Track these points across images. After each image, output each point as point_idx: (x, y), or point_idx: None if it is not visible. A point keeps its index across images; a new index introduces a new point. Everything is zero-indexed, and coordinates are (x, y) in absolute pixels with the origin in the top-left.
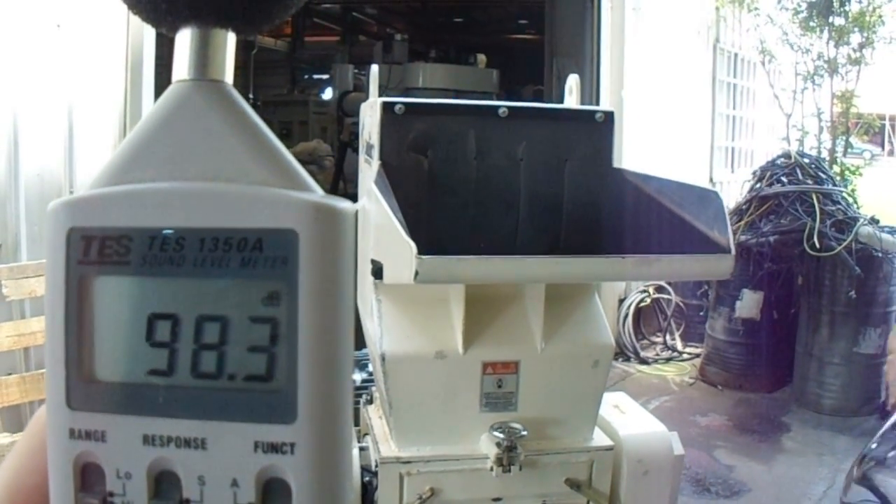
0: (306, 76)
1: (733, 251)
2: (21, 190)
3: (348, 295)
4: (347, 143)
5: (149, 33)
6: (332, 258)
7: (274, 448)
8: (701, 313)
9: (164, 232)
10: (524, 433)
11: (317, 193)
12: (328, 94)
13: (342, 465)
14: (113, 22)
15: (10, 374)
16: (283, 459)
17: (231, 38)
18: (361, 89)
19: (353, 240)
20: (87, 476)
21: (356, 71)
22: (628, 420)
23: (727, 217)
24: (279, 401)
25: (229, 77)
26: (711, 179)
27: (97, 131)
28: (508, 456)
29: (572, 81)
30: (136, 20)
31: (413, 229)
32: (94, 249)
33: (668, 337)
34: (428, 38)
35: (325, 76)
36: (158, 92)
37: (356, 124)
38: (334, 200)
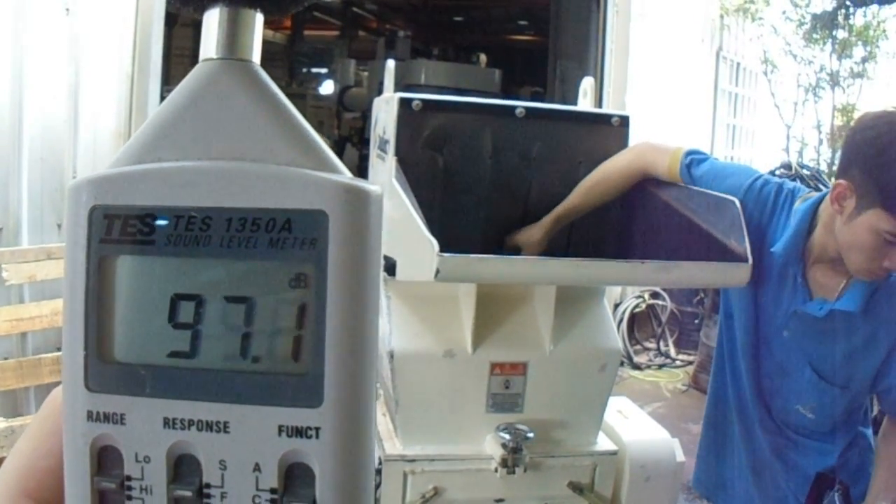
0: (304, 70)
1: (750, 260)
2: (24, 173)
3: (376, 278)
4: (347, 138)
5: (157, 19)
6: (362, 241)
7: (298, 432)
8: (696, 321)
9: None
10: (531, 435)
11: (346, 175)
12: (326, 88)
13: (366, 451)
14: (121, 7)
15: (6, 358)
16: (307, 444)
17: (259, 19)
18: (362, 85)
19: (381, 222)
20: (105, 459)
21: (358, 66)
22: (631, 425)
23: (744, 225)
24: (305, 384)
25: (257, 57)
26: None
27: (102, 116)
28: (514, 457)
29: (587, 84)
30: (144, 5)
31: (427, 227)
32: (117, 228)
33: (661, 343)
34: (427, 35)
35: (324, 70)
36: (164, 77)
37: (356, 119)
38: (363, 182)
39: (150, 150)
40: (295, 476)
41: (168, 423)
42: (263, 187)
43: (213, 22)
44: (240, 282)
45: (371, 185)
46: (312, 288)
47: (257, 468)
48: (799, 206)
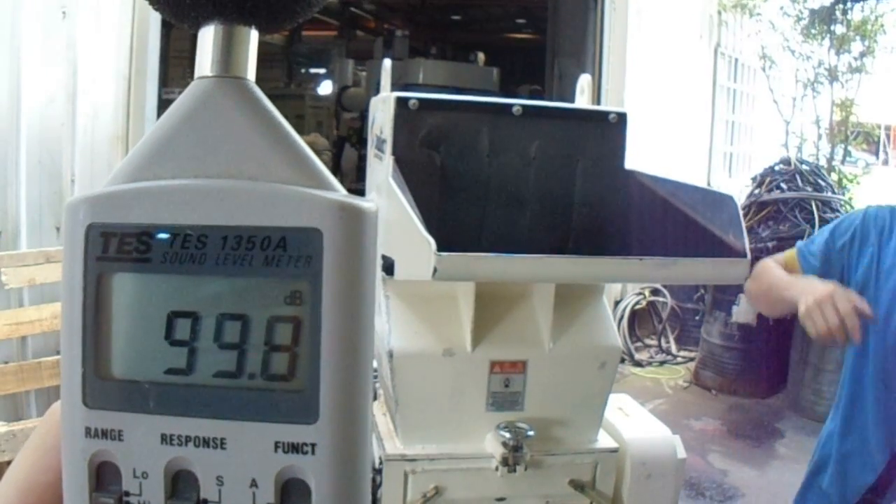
0: (303, 70)
1: (749, 256)
2: (22, 177)
3: (370, 295)
4: (345, 138)
5: (154, 22)
6: (356, 258)
7: (294, 448)
8: (696, 317)
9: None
10: (531, 433)
11: (340, 192)
12: (325, 88)
13: (361, 466)
14: (118, 10)
15: (6, 362)
16: (303, 460)
17: (254, 36)
18: (360, 85)
19: (375, 240)
20: (103, 475)
21: (356, 66)
22: (632, 423)
23: (742, 222)
24: (301, 401)
25: (252, 74)
26: (709, 183)
27: (99, 119)
28: (514, 456)
29: (584, 82)
30: (142, 8)
31: (424, 225)
32: (114, 246)
33: (662, 340)
34: (425, 35)
35: (322, 70)
36: (162, 80)
37: (355, 119)
38: (358, 200)
39: (147, 167)
40: (291, 492)
41: (165, 439)
42: (258, 205)
43: (207, 39)
44: (235, 299)
45: (366, 203)
46: (307, 305)
47: (254, 484)
48: None
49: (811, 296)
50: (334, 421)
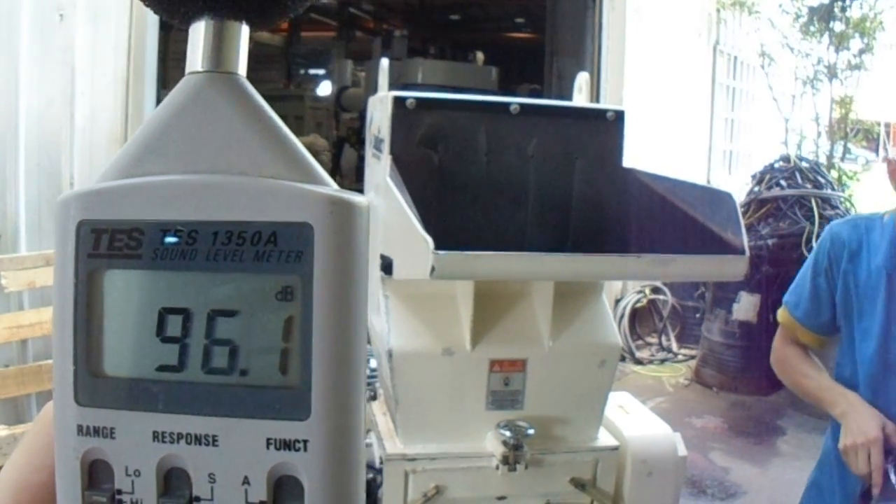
0: (302, 71)
1: (747, 253)
2: (21, 180)
3: (363, 290)
4: (345, 139)
5: (152, 23)
6: (348, 252)
7: (286, 445)
8: (697, 315)
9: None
10: (531, 432)
11: (331, 187)
12: (324, 89)
13: (355, 463)
14: (116, 12)
15: (7, 365)
16: (295, 457)
17: (245, 31)
18: (359, 85)
19: (367, 234)
20: (95, 473)
21: (355, 67)
22: (633, 420)
23: (741, 219)
24: (293, 397)
25: (243, 70)
26: (709, 181)
27: (98, 121)
28: (515, 454)
29: (582, 80)
30: (139, 10)
31: (422, 224)
32: (105, 243)
33: (663, 338)
34: (424, 35)
35: (321, 71)
36: (160, 82)
37: (354, 120)
38: (349, 194)
39: (137, 163)
40: (284, 489)
41: (157, 436)
42: (249, 200)
43: (198, 35)
44: (226, 295)
45: (357, 197)
46: (299, 301)
47: (246, 481)
48: (888, 218)
49: (860, 436)
50: (327, 417)
